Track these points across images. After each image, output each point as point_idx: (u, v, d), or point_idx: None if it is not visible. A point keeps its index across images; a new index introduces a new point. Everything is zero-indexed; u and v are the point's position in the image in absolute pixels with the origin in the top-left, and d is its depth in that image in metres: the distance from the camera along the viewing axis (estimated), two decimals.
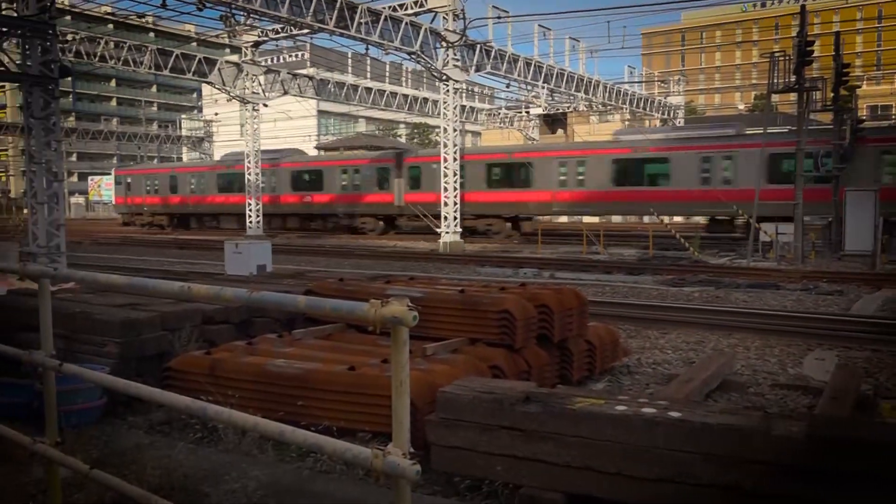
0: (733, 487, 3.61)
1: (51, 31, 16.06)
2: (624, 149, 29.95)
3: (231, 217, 40.87)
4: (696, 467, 3.70)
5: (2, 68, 16.12)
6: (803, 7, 22.52)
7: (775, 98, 29.08)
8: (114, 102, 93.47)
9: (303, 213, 38.79)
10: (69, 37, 27.74)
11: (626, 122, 49.33)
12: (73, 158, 78.05)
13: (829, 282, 16.15)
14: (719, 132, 28.87)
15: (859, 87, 52.56)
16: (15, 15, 15.97)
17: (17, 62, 16.55)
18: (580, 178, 30.44)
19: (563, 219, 40.52)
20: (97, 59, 28.12)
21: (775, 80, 22.02)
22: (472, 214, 31.78)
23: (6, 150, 74.07)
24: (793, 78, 21.57)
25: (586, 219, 35.13)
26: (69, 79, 26.30)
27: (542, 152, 33.26)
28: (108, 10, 41.06)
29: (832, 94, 23.77)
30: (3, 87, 64.20)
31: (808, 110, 22.03)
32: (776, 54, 22.38)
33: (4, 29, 15.81)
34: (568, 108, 43.46)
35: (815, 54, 22.29)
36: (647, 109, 42.40)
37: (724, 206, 26.41)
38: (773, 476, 3.55)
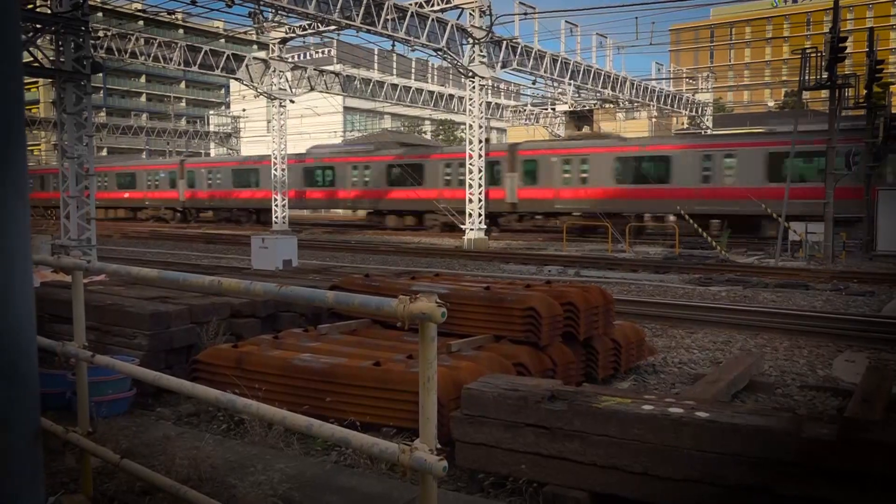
0: (761, 489, 3.57)
1: (83, 28, 16.31)
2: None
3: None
4: (723, 468, 3.66)
5: (36, 64, 16.40)
6: (836, 2, 22.11)
7: (806, 95, 28.67)
8: (143, 98, 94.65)
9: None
10: (101, 33, 28.15)
11: (654, 119, 48.89)
12: (104, 153, 79.20)
13: (859, 282, 15.88)
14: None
15: (893, 83, 51.47)
16: (49, 12, 16.24)
17: (51, 58, 16.83)
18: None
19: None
20: (128, 55, 28.50)
21: (807, 77, 21.68)
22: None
23: (38, 144, 75.40)
24: (825, 74, 21.21)
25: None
26: (101, 75, 26.64)
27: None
28: (139, 7, 41.57)
29: (865, 91, 23.34)
30: (36, 82, 65.34)
31: (840, 107, 21.66)
32: (808, 50, 22.03)
33: (39, 25, 16.09)
34: (594, 104, 43.17)
35: (848, 50, 21.87)
36: (675, 106, 41.96)
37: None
38: (801, 478, 3.50)
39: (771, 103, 75.06)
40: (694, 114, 43.96)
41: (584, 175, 31.02)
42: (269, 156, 35.55)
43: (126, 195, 49.78)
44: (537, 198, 32.00)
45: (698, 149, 29.35)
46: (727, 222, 26.55)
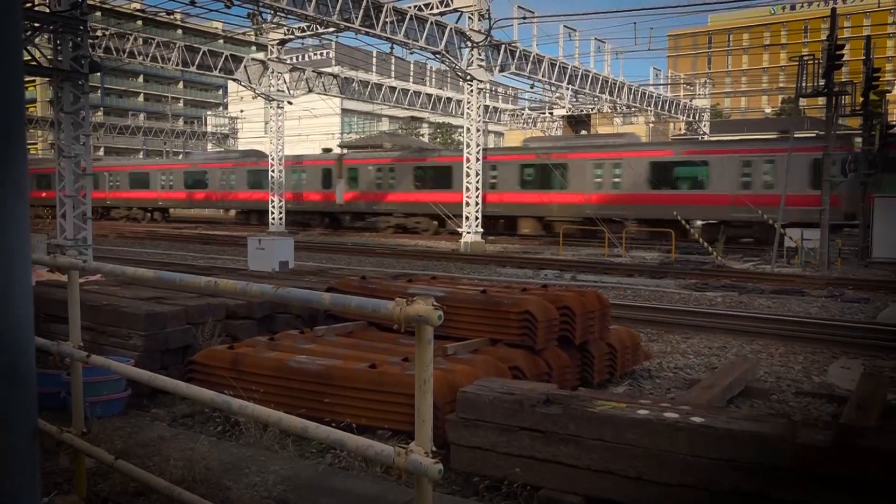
0: (756, 495, 3.57)
1: (82, 27, 16.30)
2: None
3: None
4: (718, 474, 3.67)
5: (34, 63, 16.37)
6: (833, 10, 22.23)
7: (803, 102, 28.71)
8: (141, 98, 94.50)
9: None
10: (99, 33, 28.12)
11: (651, 125, 49.00)
12: (101, 153, 79.08)
13: (855, 289, 15.92)
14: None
15: (889, 91, 51.69)
16: (48, 10, 16.22)
17: (49, 57, 16.81)
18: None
19: None
20: (126, 55, 28.48)
21: (804, 84, 21.74)
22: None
23: (35, 143, 75.26)
24: (822, 82, 21.29)
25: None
26: (98, 74, 26.65)
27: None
28: (138, 6, 41.54)
29: (861, 99, 23.42)
30: (34, 81, 65.32)
31: (836, 115, 21.73)
32: (805, 58, 22.10)
33: (37, 24, 16.06)
34: (592, 109, 43.26)
35: (845, 58, 21.95)
36: (672, 112, 42.07)
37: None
38: (797, 484, 3.51)
39: (768, 110, 75.34)
40: (691, 119, 44.06)
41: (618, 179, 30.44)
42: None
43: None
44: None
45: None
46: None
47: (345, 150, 41.63)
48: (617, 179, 30.29)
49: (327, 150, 42.10)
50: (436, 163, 35.38)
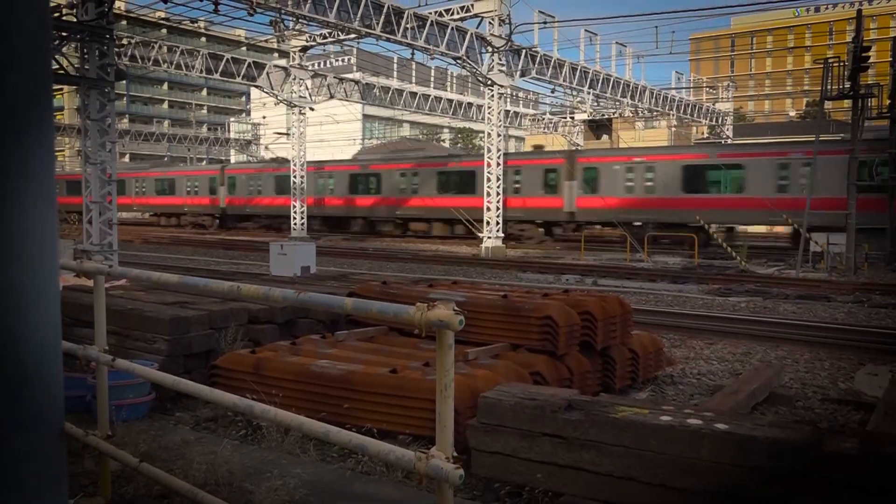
0: (781, 503, 3.52)
1: (108, 36, 16.57)
2: None
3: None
4: (742, 481, 3.62)
5: (61, 72, 16.67)
6: (859, 12, 21.95)
7: (828, 105, 28.31)
8: (165, 105, 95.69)
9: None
10: (125, 41, 28.53)
11: (673, 129, 48.66)
12: (126, 159, 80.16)
13: (882, 294, 15.66)
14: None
15: None
16: (75, 20, 16.51)
17: (76, 66, 17.10)
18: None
19: None
20: (151, 62, 28.87)
21: (829, 87, 21.48)
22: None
23: (63, 150, 76.45)
24: (847, 84, 21.01)
25: None
26: (124, 82, 27.04)
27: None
28: (163, 15, 42.08)
29: (889, 101, 23.08)
30: (61, 89, 66.39)
31: (862, 118, 21.44)
32: (830, 60, 21.83)
33: (65, 34, 16.35)
34: (613, 113, 43.05)
35: (871, 60, 21.66)
36: (695, 116, 41.75)
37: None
38: (823, 493, 3.45)
39: (792, 113, 74.45)
40: (714, 123, 43.69)
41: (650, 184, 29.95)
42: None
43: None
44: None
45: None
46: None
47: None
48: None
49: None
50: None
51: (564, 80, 30.61)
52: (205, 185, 46.63)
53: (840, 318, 12.68)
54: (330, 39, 30.52)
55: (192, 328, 6.59)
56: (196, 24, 43.67)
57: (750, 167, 27.33)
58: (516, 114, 47.78)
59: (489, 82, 26.68)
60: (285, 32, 29.94)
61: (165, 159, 64.95)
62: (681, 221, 27.93)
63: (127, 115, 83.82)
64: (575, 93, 36.53)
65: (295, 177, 34.97)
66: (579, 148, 40.99)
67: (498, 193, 27.19)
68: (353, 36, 26.30)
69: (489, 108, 27.31)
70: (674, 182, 28.91)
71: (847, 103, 22.21)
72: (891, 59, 23.65)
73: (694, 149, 33.46)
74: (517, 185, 32.43)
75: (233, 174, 45.87)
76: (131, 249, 27.22)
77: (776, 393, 7.27)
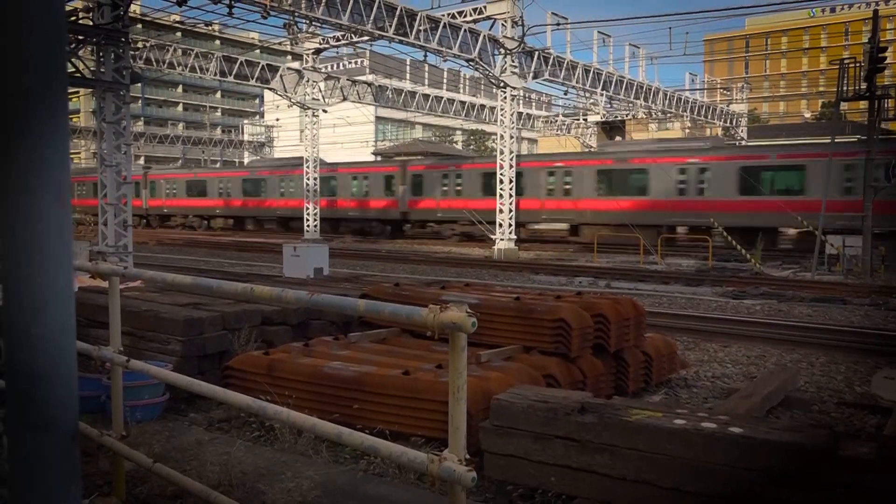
0: None
1: (123, 39, 16.71)
2: None
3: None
4: (757, 485, 3.59)
5: (77, 75, 16.83)
6: (876, 12, 21.73)
7: (844, 106, 28.08)
8: (180, 108, 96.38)
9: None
10: (140, 44, 28.77)
11: (687, 130, 48.42)
12: (141, 161, 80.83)
13: None
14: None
15: None
16: (91, 24, 16.66)
17: (92, 69, 17.26)
18: None
19: None
20: (166, 65, 29.09)
21: (845, 88, 21.30)
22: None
23: (78, 153, 77.14)
24: (863, 85, 20.83)
25: None
26: (139, 85, 27.26)
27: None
28: (177, 18, 42.39)
29: None
30: (77, 92, 67.05)
31: (879, 119, 21.23)
32: (846, 61, 21.65)
33: (81, 37, 16.51)
34: (627, 115, 42.90)
35: (888, 60, 21.45)
36: (709, 117, 41.52)
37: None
38: (838, 497, 3.42)
39: (807, 114, 73.87)
40: (728, 125, 43.44)
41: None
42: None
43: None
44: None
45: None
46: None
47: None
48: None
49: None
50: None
51: (577, 82, 30.54)
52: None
53: (856, 322, 12.56)
54: (343, 42, 30.62)
55: (206, 329, 6.62)
56: (210, 27, 43.91)
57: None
58: (529, 115, 47.71)
59: (502, 84, 26.66)
60: (299, 35, 30.07)
61: (179, 162, 65.40)
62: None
63: (142, 118, 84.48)
64: (588, 94, 36.43)
65: (308, 178, 35.11)
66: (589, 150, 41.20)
67: (511, 195, 27.15)
68: (366, 38, 26.39)
69: (502, 109, 27.29)
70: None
71: (863, 104, 21.97)
72: None
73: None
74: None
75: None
76: (146, 251, 27.41)
77: (791, 396, 7.21)
